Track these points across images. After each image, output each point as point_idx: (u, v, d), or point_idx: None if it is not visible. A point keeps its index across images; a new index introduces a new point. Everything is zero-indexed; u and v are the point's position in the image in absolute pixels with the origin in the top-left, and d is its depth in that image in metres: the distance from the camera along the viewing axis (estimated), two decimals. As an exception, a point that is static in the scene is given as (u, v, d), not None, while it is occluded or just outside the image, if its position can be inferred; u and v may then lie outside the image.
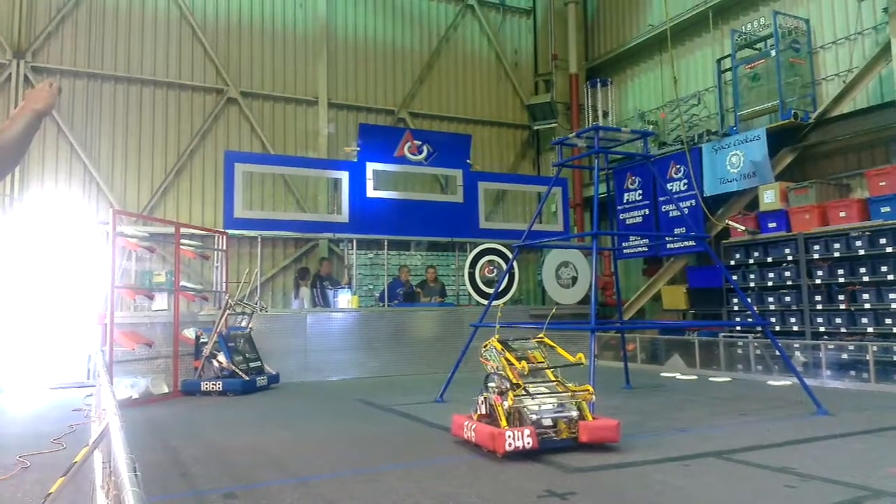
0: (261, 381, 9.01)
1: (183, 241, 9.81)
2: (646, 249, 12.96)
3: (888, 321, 8.65)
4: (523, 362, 5.11)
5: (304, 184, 13.31)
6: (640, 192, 13.04)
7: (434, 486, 4.13)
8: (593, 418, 5.05)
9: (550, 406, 5.03)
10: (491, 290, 12.18)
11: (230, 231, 11.21)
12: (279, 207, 12.91)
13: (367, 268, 12.81)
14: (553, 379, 5.30)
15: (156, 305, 9.84)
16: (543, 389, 5.16)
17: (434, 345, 11.14)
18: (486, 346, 5.45)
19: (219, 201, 12.23)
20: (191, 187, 12.74)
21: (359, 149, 12.73)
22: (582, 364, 5.36)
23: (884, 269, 8.76)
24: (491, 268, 13.07)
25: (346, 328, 10.87)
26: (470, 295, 12.98)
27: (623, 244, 12.86)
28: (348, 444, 5.58)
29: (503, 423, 4.84)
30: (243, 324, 9.65)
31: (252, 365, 9.15)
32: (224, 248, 10.82)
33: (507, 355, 5.23)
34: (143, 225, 11.25)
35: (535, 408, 4.99)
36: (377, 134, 13.18)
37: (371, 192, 12.59)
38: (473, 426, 5.09)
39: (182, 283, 9.62)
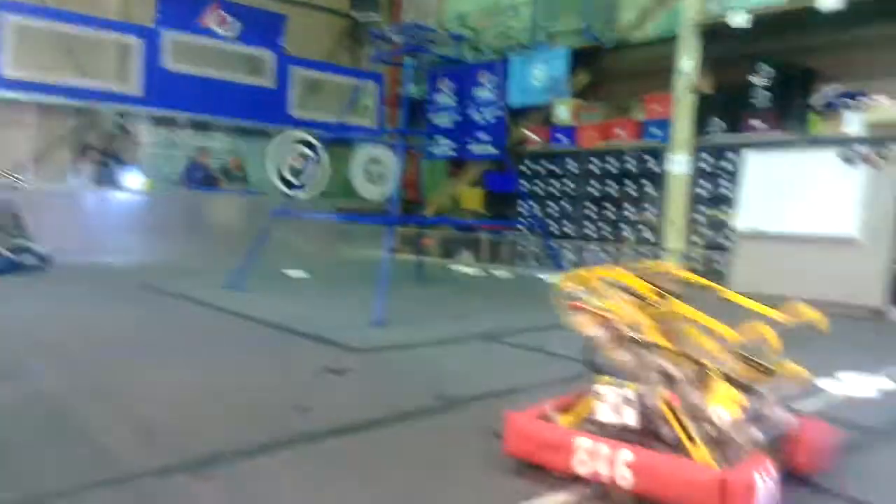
0: (27, 260, 8.21)
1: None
2: (452, 152, 13.44)
3: (645, 230, 10.00)
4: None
5: (90, 49, 11.75)
6: (452, 95, 13.33)
7: (223, 371, 4.16)
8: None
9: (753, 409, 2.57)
10: (297, 181, 12.00)
11: (-4, 92, 9.72)
12: (59, 73, 11.34)
13: (162, 147, 11.89)
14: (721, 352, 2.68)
15: None
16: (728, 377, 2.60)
17: (233, 233, 10.81)
18: (586, 283, 2.78)
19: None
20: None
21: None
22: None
23: (647, 184, 10.00)
24: (299, 158, 12.78)
25: (134, 210, 10.16)
26: (275, 185, 12.66)
27: (431, 145, 13.22)
28: (131, 330, 5.38)
29: (699, 452, 2.35)
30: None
31: (16, 242, 8.27)
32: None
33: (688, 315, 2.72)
34: None
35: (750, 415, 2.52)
36: (179, -2, 11.92)
37: (169, 65, 11.52)
38: (627, 457, 2.38)
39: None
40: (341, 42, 15.45)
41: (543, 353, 4.87)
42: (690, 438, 2.37)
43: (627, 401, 2.50)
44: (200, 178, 11.56)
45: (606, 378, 2.57)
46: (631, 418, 2.49)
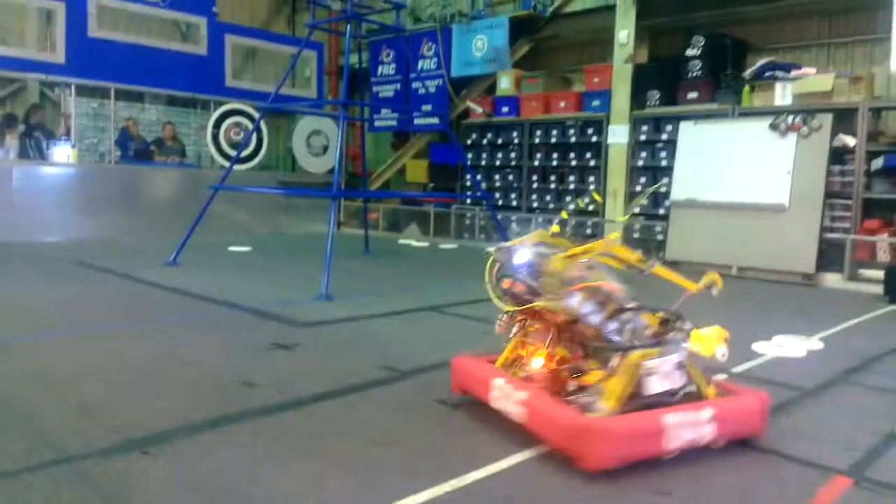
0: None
1: None
2: (395, 123, 13.31)
3: (586, 200, 10.15)
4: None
5: (11, 14, 11.04)
6: (394, 65, 13.17)
7: (167, 348, 4.05)
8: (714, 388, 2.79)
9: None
10: (236, 154, 11.67)
11: None
12: (-27, 37, 10.65)
13: (91, 119, 11.35)
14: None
15: None
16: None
17: (169, 207, 10.48)
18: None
19: None
20: None
21: None
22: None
23: (588, 155, 10.16)
24: (237, 129, 12.42)
25: (63, 185, 9.71)
26: (213, 157, 12.30)
27: (375, 117, 13.05)
28: (68, 309, 5.17)
29: (711, 391, 2.75)
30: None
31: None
32: None
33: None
34: None
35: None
36: (103, -39, 11.30)
37: (95, 31, 10.95)
38: (707, 414, 2.54)
39: None
40: (278, 8, 15.00)
41: (491, 323, 4.94)
42: (706, 382, 2.74)
43: (680, 365, 2.63)
44: (133, 150, 11.12)
45: (653, 351, 2.58)
46: (679, 380, 2.62)
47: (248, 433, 2.72)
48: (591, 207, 9.55)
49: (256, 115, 12.30)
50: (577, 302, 2.62)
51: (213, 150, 12.23)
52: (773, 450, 2.68)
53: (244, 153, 11.44)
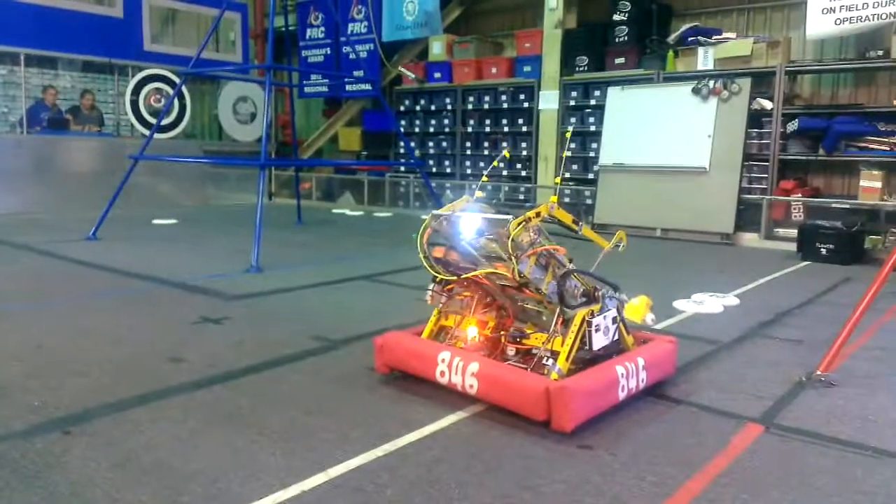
0: None
1: None
2: (326, 90, 13.01)
3: (519, 166, 10.28)
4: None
5: None
6: (323, 29, 12.81)
7: (90, 325, 3.91)
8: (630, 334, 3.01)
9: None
10: (157, 121, 11.18)
11: None
12: None
13: (0, 87, 10.64)
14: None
15: None
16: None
17: (88, 180, 10.00)
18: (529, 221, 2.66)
19: None
20: None
21: None
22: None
23: (520, 121, 10.23)
24: (158, 96, 11.87)
25: (-30, 157, 9.10)
26: (133, 125, 11.75)
27: (305, 83, 12.71)
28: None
29: (631, 340, 3.00)
30: None
31: None
32: None
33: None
34: None
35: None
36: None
37: (-2, -8, 10.19)
38: (642, 361, 2.79)
39: None
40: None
41: (425, 290, 4.97)
42: (628, 333, 2.95)
43: (615, 320, 2.80)
44: (47, 119, 10.49)
45: (596, 307, 2.71)
46: (614, 334, 2.81)
47: (178, 408, 2.67)
48: (503, 168, 9.66)
49: (178, 80, 11.80)
50: (528, 267, 2.62)
51: (132, 118, 11.67)
52: (691, 401, 2.83)
53: (166, 121, 10.99)
